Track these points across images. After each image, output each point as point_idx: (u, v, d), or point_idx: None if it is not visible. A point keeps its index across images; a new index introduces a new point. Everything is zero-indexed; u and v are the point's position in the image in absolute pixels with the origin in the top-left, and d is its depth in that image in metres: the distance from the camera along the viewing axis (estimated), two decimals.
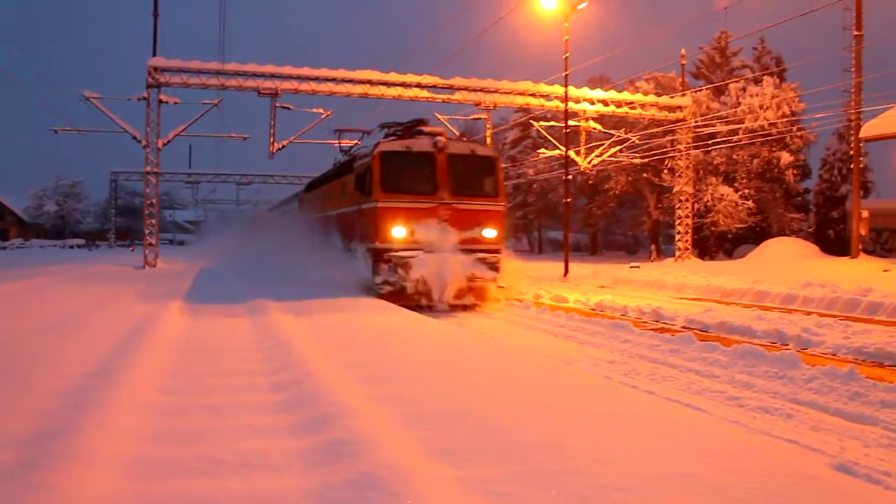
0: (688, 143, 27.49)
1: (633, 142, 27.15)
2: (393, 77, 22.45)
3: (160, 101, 21.65)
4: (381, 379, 4.96)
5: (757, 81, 30.21)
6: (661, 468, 3.07)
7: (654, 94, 28.30)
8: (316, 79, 21.95)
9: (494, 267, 12.74)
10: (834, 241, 31.41)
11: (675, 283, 16.37)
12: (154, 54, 22.10)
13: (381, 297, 12.03)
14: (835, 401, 5.40)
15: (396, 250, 12.28)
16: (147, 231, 22.93)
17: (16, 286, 13.78)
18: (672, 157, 28.21)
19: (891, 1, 31.74)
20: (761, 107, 28.29)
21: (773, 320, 9.65)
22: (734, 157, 30.54)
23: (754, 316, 10.29)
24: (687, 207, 28.03)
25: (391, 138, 13.84)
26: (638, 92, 27.92)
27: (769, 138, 28.91)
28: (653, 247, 35.43)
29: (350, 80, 22.20)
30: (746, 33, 56.25)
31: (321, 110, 23.28)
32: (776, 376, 6.25)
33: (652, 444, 3.45)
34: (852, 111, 23.03)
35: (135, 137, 22.25)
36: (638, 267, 23.26)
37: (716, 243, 33.91)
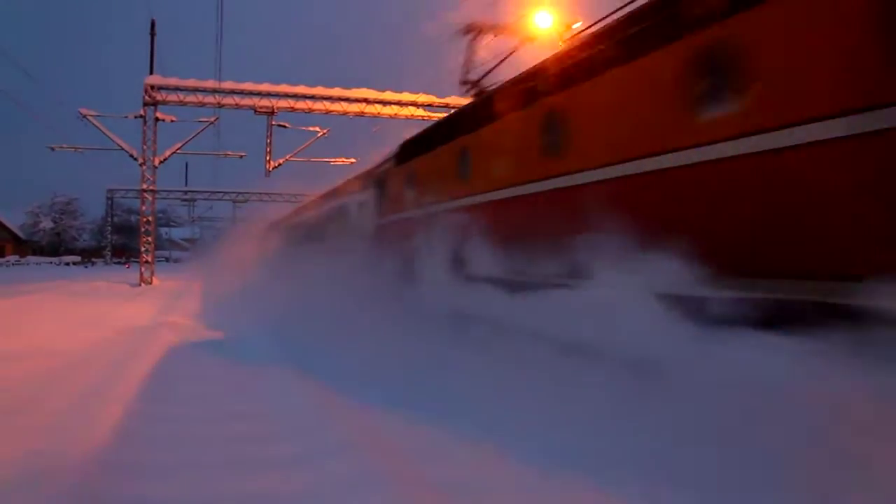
0: None
1: None
2: (388, 96, 22.65)
3: (157, 119, 21.81)
4: None
5: None
6: None
7: None
8: (312, 97, 22.15)
9: None
10: None
11: None
12: (151, 72, 22.29)
13: None
14: None
15: None
16: (143, 248, 22.96)
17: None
18: None
19: None
20: None
21: None
22: None
23: None
24: None
25: None
26: None
27: None
28: None
29: (346, 99, 22.39)
30: None
31: (318, 128, 23.50)
32: None
33: None
34: None
35: (131, 155, 22.38)
36: None
37: None
